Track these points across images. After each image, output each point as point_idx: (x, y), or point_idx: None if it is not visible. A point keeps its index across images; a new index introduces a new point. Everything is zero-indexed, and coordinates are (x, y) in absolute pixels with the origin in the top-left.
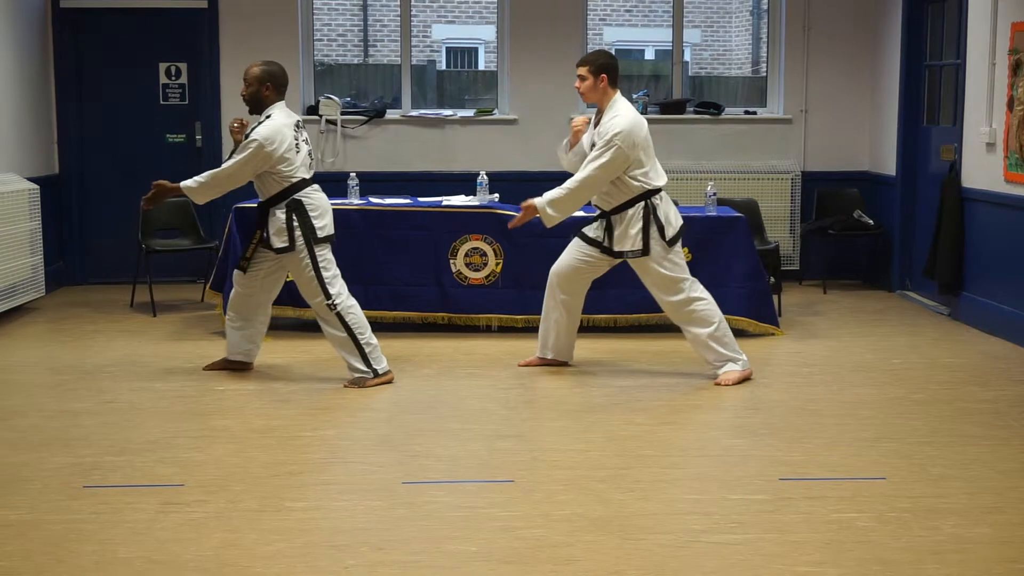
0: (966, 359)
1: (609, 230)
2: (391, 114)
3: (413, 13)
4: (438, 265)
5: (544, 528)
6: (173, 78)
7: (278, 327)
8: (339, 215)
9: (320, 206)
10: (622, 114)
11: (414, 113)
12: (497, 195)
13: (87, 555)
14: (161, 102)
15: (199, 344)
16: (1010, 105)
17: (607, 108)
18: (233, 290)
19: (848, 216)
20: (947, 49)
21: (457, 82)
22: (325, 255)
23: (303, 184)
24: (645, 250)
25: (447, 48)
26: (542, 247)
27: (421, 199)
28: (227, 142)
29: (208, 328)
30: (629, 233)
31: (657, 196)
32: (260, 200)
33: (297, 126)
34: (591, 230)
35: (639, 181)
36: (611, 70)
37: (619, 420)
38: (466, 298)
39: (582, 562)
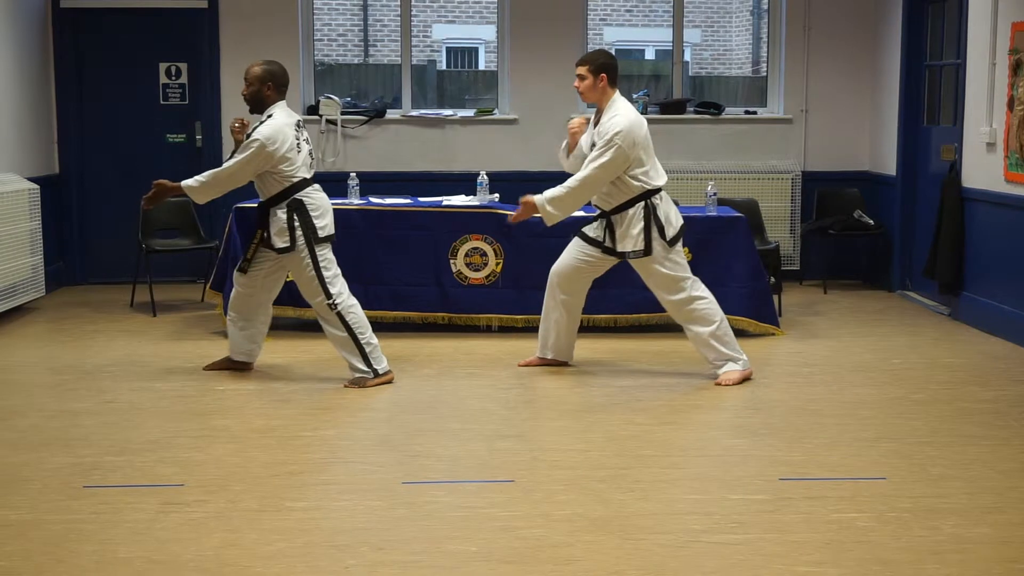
0: (966, 359)
1: (610, 230)
2: (391, 114)
3: (413, 13)
4: (438, 265)
5: (544, 528)
6: (173, 78)
7: (279, 327)
8: (339, 215)
9: (321, 206)
10: (621, 113)
11: (414, 113)
12: (497, 195)
13: (87, 555)
14: (161, 102)
15: (199, 344)
16: (1010, 105)
17: (606, 108)
18: (233, 290)
19: (848, 216)
20: (947, 49)
21: (457, 82)
22: (326, 255)
23: (304, 184)
24: (647, 250)
25: (447, 48)
26: (542, 247)
27: (421, 199)
28: (227, 142)
29: (208, 328)
30: (630, 233)
31: (657, 196)
32: (260, 200)
33: (298, 126)
34: (591, 230)
35: (639, 181)
36: (610, 70)
37: (619, 420)
38: (466, 298)
39: (582, 562)
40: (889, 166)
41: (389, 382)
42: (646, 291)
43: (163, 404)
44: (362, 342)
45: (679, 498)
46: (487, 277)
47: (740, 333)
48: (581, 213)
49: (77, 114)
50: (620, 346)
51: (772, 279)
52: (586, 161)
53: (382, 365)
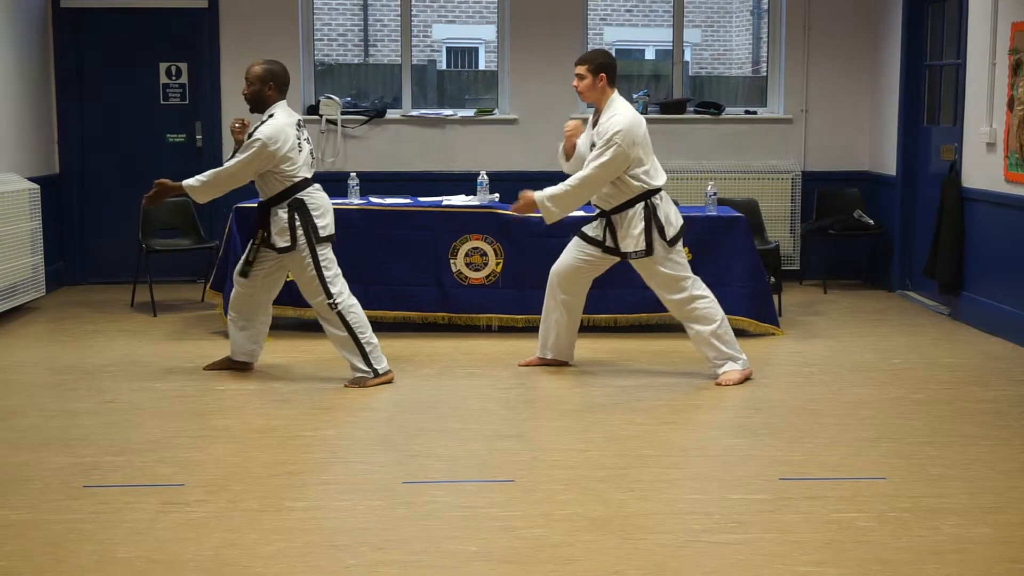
0: (966, 359)
1: (610, 230)
2: (391, 114)
3: (413, 13)
4: (438, 265)
5: (544, 528)
6: (173, 78)
7: (279, 327)
8: (339, 215)
9: (322, 205)
10: (620, 113)
11: (414, 113)
12: (497, 195)
13: (87, 555)
14: (161, 102)
15: (199, 344)
16: (1010, 105)
17: (605, 107)
18: (234, 290)
19: (848, 216)
20: (947, 49)
21: (457, 82)
22: (326, 254)
23: (305, 184)
24: (648, 250)
25: (447, 48)
26: (542, 247)
27: (421, 199)
28: (227, 142)
29: (208, 328)
30: (631, 234)
31: (657, 196)
32: (261, 200)
33: (298, 125)
34: (591, 229)
35: (640, 181)
36: (610, 69)
37: (619, 420)
38: (466, 298)
39: (582, 562)
40: (889, 166)
41: (389, 382)
42: (646, 291)
43: (163, 404)
44: (362, 342)
45: (679, 498)
46: (487, 277)
47: (740, 333)
48: (581, 213)
49: (77, 114)
50: (620, 346)
51: (772, 279)
52: (586, 161)
53: (382, 365)
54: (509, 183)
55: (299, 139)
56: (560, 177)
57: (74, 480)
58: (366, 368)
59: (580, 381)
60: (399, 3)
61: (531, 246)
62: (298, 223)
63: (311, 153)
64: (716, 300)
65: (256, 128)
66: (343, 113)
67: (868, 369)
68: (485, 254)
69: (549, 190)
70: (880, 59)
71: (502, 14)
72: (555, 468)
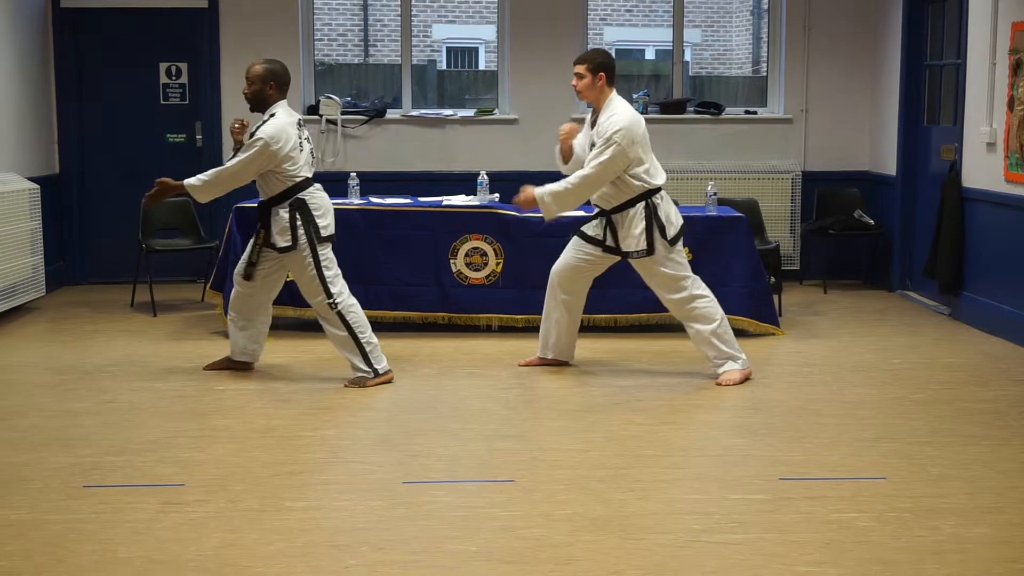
0: (966, 359)
1: (611, 229)
2: (391, 114)
3: (413, 13)
4: (438, 265)
5: (544, 528)
6: (173, 78)
7: (279, 327)
8: (339, 215)
9: (323, 206)
10: (620, 112)
11: (414, 113)
12: (498, 195)
13: (87, 555)
14: (161, 102)
15: (199, 344)
16: (1010, 105)
17: (604, 107)
18: (233, 290)
19: (848, 216)
20: (947, 49)
21: (457, 82)
22: (327, 254)
23: (306, 183)
24: (650, 250)
25: (447, 48)
26: (542, 247)
27: (421, 199)
28: (228, 142)
29: (208, 328)
30: (632, 233)
31: (658, 195)
32: (261, 199)
33: (299, 125)
34: (591, 228)
35: (640, 180)
36: (609, 69)
37: (619, 420)
38: (466, 298)
39: (582, 562)
40: (889, 166)
41: (389, 381)
42: (646, 291)
43: (163, 404)
44: (362, 341)
45: (679, 498)
46: (487, 277)
47: (740, 333)
48: (581, 212)
49: (77, 114)
50: (620, 346)
51: (772, 279)
52: (587, 159)
53: (382, 364)
54: (509, 183)
55: (300, 139)
56: (560, 177)
57: (74, 480)
58: (366, 368)
59: (580, 381)
60: (399, 3)
61: (531, 246)
62: (299, 223)
63: (311, 153)
64: (715, 299)
65: (258, 127)
66: (343, 113)
67: (868, 369)
68: (485, 254)
69: (549, 186)
70: (880, 59)
71: (502, 14)
72: (555, 468)
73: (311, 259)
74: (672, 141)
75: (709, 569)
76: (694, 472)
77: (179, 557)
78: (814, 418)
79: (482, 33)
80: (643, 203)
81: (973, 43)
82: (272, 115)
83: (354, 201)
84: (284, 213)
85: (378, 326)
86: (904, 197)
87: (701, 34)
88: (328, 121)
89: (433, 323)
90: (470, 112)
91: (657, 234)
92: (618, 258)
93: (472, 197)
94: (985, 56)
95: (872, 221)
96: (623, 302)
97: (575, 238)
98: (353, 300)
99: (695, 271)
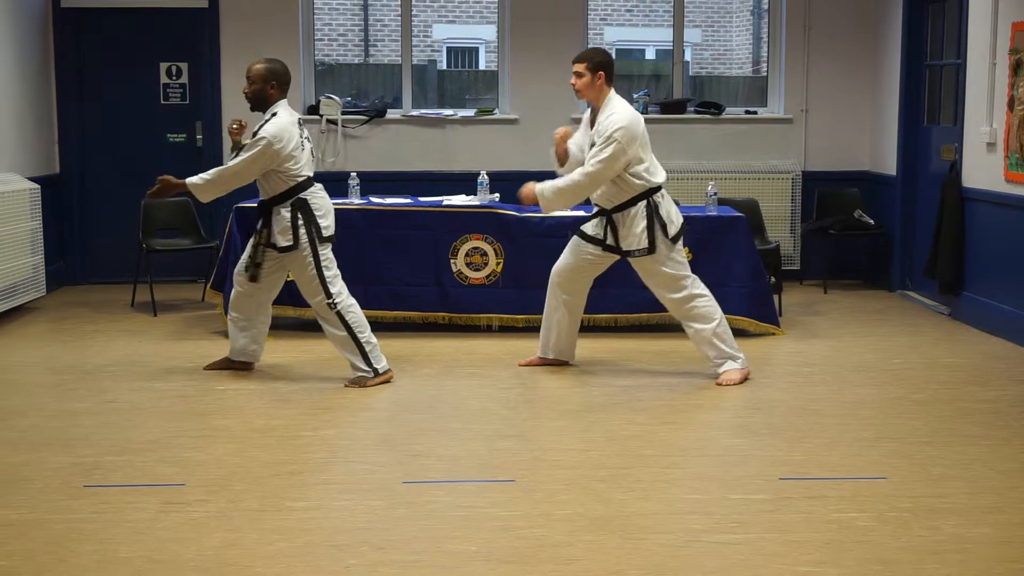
0: (966, 359)
1: (612, 228)
2: (392, 114)
3: (414, 13)
4: (438, 265)
5: (545, 528)
6: (174, 78)
7: (279, 327)
8: (340, 215)
9: (324, 206)
10: (619, 111)
11: (415, 113)
12: (498, 195)
13: (88, 554)
14: (162, 102)
15: (200, 344)
16: (1010, 105)
17: (603, 106)
18: (234, 290)
19: (849, 216)
20: (947, 49)
21: (458, 82)
22: (327, 254)
23: (308, 183)
24: (651, 248)
25: (448, 48)
26: (542, 247)
27: (422, 199)
28: (228, 142)
29: (209, 328)
30: (634, 232)
31: (658, 194)
32: (262, 199)
33: (299, 124)
34: (590, 228)
35: (641, 179)
36: (608, 68)
37: (620, 420)
38: (466, 298)
39: (582, 561)
40: (889, 166)
41: (388, 381)
42: (646, 291)
43: (164, 404)
44: (362, 341)
45: (679, 498)
46: (487, 277)
47: (740, 333)
48: (581, 212)
49: (78, 114)
50: (620, 346)
51: (772, 279)
52: (588, 157)
53: (382, 364)
54: (509, 183)
55: (301, 138)
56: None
57: (75, 480)
58: (366, 368)
59: (580, 381)
60: (399, 3)
61: (531, 246)
62: (301, 222)
63: (311, 152)
64: (714, 299)
65: (260, 127)
66: (343, 113)
67: (868, 369)
68: (485, 254)
69: (551, 182)
70: (880, 59)
71: (502, 14)
72: (555, 468)
73: (311, 259)
74: (672, 141)
75: (709, 569)
76: (694, 472)
77: (180, 557)
78: (814, 418)
79: (482, 33)
80: (644, 202)
81: (973, 43)
82: (274, 114)
83: (354, 201)
84: (286, 213)
85: (378, 326)
86: (904, 197)
87: (701, 34)
88: (328, 121)
89: (433, 323)
90: (470, 112)
91: (659, 232)
92: (618, 257)
93: (472, 197)
94: (985, 56)
95: (872, 221)
96: (623, 302)
97: (575, 238)
98: (352, 300)
99: (695, 271)
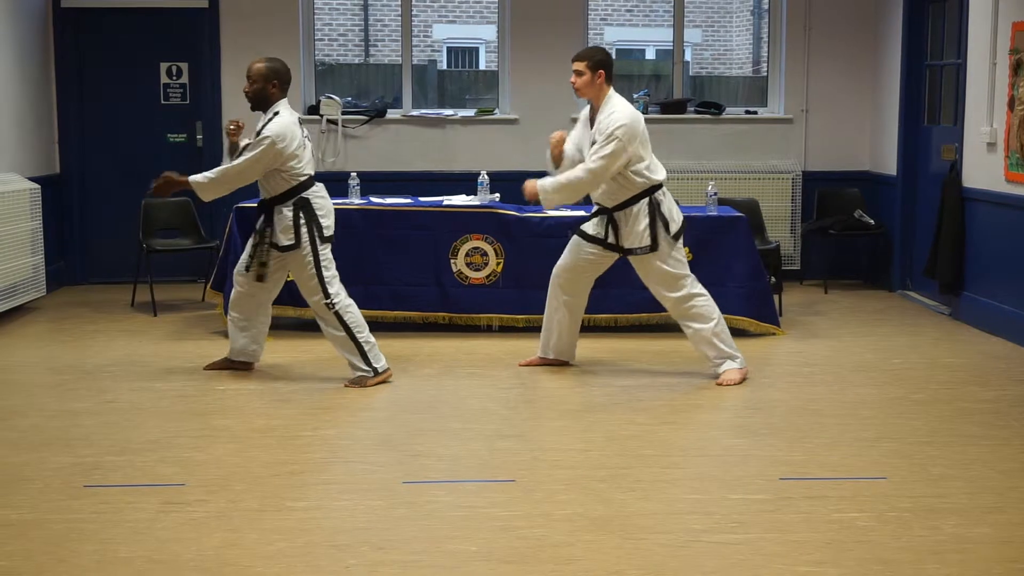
0: (967, 359)
1: (613, 227)
2: (392, 114)
3: (414, 13)
4: (439, 265)
5: (545, 528)
6: (174, 78)
7: (279, 327)
8: (340, 215)
9: (325, 206)
10: (620, 109)
11: (415, 113)
12: (498, 195)
13: (88, 554)
14: (162, 102)
15: (200, 344)
16: (1011, 105)
17: (603, 104)
18: (233, 290)
19: (849, 216)
20: (948, 49)
21: (458, 82)
22: (326, 254)
23: (310, 182)
24: (654, 246)
25: (448, 48)
26: (542, 247)
27: (422, 199)
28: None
29: (209, 328)
30: (636, 230)
31: (660, 192)
32: (263, 198)
33: (299, 123)
34: (591, 227)
35: (642, 177)
36: (608, 66)
37: (620, 420)
38: (467, 298)
39: (582, 561)
40: (890, 166)
41: (387, 380)
42: (646, 291)
43: (164, 404)
44: (360, 340)
45: (679, 498)
46: (488, 277)
47: (741, 333)
48: (581, 212)
49: (78, 114)
50: (621, 346)
51: (772, 279)
52: (588, 155)
53: (381, 363)
54: (509, 183)
55: (302, 137)
56: None
57: (75, 480)
58: (365, 367)
59: (580, 381)
60: (399, 3)
61: (531, 246)
62: (303, 221)
63: (311, 151)
64: (711, 299)
65: (264, 125)
66: (344, 113)
67: (868, 369)
68: (485, 254)
69: (551, 178)
70: (880, 59)
71: (502, 14)
72: (556, 468)
73: (312, 258)
74: (672, 141)
75: (709, 569)
76: (694, 472)
77: (180, 557)
78: (814, 418)
79: (482, 33)
80: (646, 199)
81: (973, 43)
82: (276, 113)
83: (354, 201)
84: (288, 212)
85: (378, 326)
86: (904, 197)
87: (701, 34)
88: (329, 121)
89: (433, 323)
90: (470, 112)
91: (661, 230)
92: (619, 257)
93: (472, 197)
94: (985, 56)
95: (872, 221)
96: (624, 302)
97: (575, 238)
98: (350, 300)
99: (695, 271)
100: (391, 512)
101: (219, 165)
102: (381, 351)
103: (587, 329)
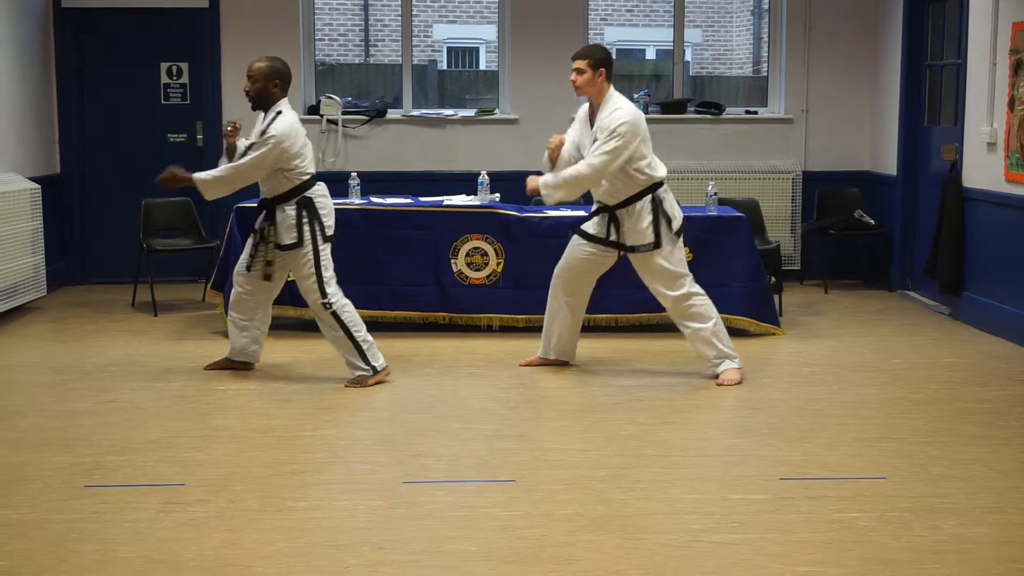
0: (967, 359)
1: (615, 225)
2: (392, 114)
3: (414, 13)
4: (439, 265)
5: (545, 528)
6: (174, 78)
7: (279, 327)
8: (340, 215)
9: (327, 205)
10: (622, 107)
11: (415, 113)
12: (498, 195)
13: (88, 554)
14: (162, 102)
15: (200, 344)
16: (1011, 105)
17: (604, 102)
18: (233, 290)
19: (849, 216)
20: (948, 49)
21: (458, 82)
22: (326, 254)
23: (312, 181)
24: (657, 243)
25: (448, 48)
26: (543, 247)
27: (422, 199)
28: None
29: (209, 328)
30: (639, 227)
31: (662, 189)
32: (265, 198)
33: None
34: (591, 227)
35: (645, 174)
36: (609, 64)
37: (620, 420)
38: (467, 298)
39: (583, 561)
40: (890, 166)
41: (385, 380)
42: (647, 291)
43: (164, 404)
44: (358, 339)
45: (679, 498)
46: (488, 277)
47: (741, 333)
48: (581, 212)
49: (78, 114)
50: (621, 346)
51: (773, 279)
52: (592, 149)
53: (379, 362)
54: (510, 183)
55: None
56: None
57: (75, 480)
58: (365, 366)
59: (581, 381)
60: (400, 3)
61: (532, 246)
62: (306, 220)
63: (311, 151)
64: (709, 299)
65: (269, 125)
66: (344, 113)
67: (869, 369)
68: (486, 254)
69: (553, 174)
70: (881, 59)
71: (503, 14)
72: (556, 468)
73: (312, 258)
74: (673, 141)
75: (709, 569)
76: (694, 472)
77: (180, 557)
78: (815, 418)
79: (483, 33)
80: (649, 196)
81: (973, 43)
82: (279, 112)
83: (355, 201)
84: (291, 211)
85: (378, 326)
86: (905, 197)
87: (702, 34)
88: (329, 121)
89: (434, 323)
90: (471, 112)
91: (664, 227)
92: (619, 256)
93: (473, 197)
94: (985, 56)
95: (873, 221)
96: (624, 302)
97: (575, 238)
98: (346, 300)
99: (695, 271)
100: (391, 512)
101: (219, 166)
102: (381, 351)
103: (587, 329)
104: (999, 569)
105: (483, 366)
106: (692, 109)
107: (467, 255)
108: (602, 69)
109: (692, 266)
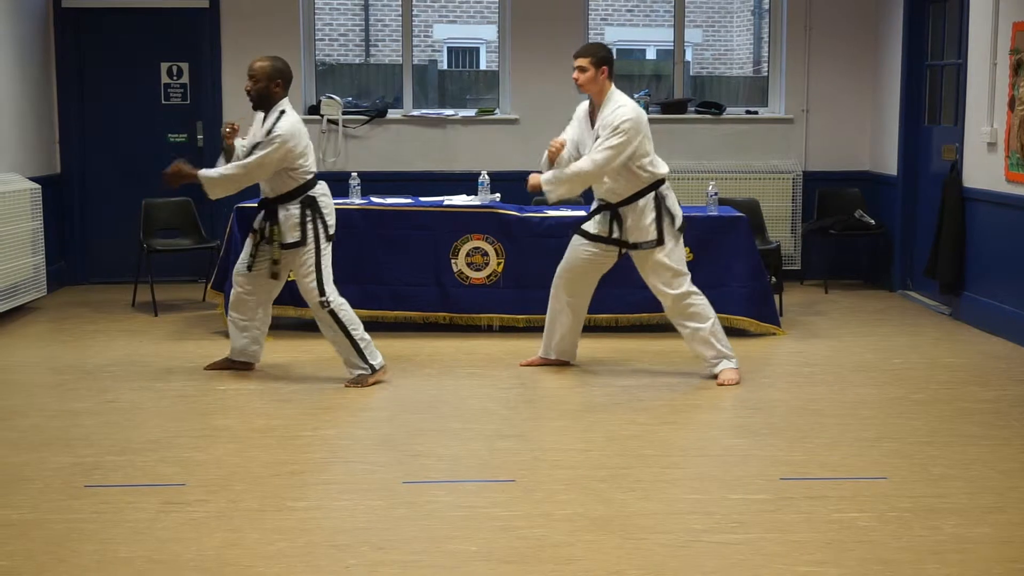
0: (967, 359)
1: (618, 222)
2: (392, 114)
3: (414, 13)
4: (439, 265)
5: (545, 528)
6: (175, 78)
7: (279, 327)
8: (340, 215)
9: (329, 204)
10: (625, 104)
11: (415, 113)
12: (498, 195)
13: (88, 554)
14: (163, 102)
15: (200, 344)
16: (1011, 105)
17: (606, 100)
18: (233, 290)
19: (849, 216)
20: (948, 49)
21: (458, 82)
22: (327, 253)
23: (315, 181)
24: (660, 240)
25: (448, 48)
26: (543, 247)
27: (422, 199)
28: None
29: (209, 328)
30: (642, 224)
31: (664, 186)
32: (267, 197)
33: None
34: (592, 226)
35: (647, 171)
36: (610, 63)
37: (620, 420)
38: (467, 298)
39: (583, 561)
40: (890, 166)
41: (384, 378)
42: (647, 291)
43: (164, 404)
44: (356, 338)
45: (680, 498)
46: (488, 277)
47: (741, 333)
48: (581, 212)
49: (78, 114)
50: (621, 346)
51: (773, 279)
52: (594, 147)
53: (377, 360)
54: (510, 183)
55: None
56: None
57: (75, 480)
58: (363, 365)
59: (581, 381)
60: (400, 3)
61: (532, 246)
62: (309, 219)
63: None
64: (707, 299)
65: (274, 124)
66: (344, 113)
67: (869, 369)
68: (486, 254)
69: (554, 171)
70: (881, 59)
71: (503, 14)
72: (556, 468)
73: (313, 257)
74: (673, 141)
75: (710, 569)
76: (695, 472)
77: (180, 557)
78: (815, 418)
79: (483, 33)
80: (652, 193)
81: (974, 43)
82: (282, 111)
83: (355, 201)
84: (295, 210)
85: (378, 326)
86: (905, 197)
87: (702, 34)
88: (329, 121)
89: (434, 323)
90: (471, 112)
91: (667, 224)
92: (621, 254)
93: (473, 197)
94: (986, 56)
95: (873, 221)
96: (624, 302)
97: (576, 238)
98: (343, 300)
99: (695, 271)
100: (391, 512)
101: (216, 166)
102: (381, 351)
103: (588, 329)
104: (999, 569)
105: (483, 366)
106: (692, 109)
107: (467, 255)
108: (604, 67)
109: (692, 266)
